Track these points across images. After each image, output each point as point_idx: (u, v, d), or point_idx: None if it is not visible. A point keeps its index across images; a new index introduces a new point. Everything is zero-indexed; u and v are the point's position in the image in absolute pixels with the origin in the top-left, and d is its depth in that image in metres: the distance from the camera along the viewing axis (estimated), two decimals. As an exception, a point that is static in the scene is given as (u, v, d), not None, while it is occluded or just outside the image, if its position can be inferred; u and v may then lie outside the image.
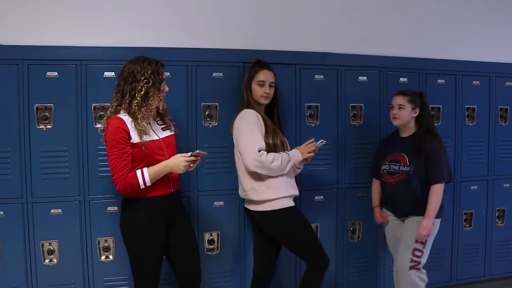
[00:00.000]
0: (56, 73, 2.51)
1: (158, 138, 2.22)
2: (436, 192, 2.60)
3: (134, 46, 2.59)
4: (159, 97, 2.18)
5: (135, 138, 2.12)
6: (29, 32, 2.58)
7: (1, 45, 2.46)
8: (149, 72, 2.12)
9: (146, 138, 2.14)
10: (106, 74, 2.57)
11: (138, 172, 2.11)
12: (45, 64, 2.49)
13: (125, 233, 2.22)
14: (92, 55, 2.55)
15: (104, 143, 2.16)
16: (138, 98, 2.11)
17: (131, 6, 2.77)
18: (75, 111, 2.54)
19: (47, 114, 2.51)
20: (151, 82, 2.13)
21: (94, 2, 2.72)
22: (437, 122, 3.18)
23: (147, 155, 2.15)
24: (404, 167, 2.67)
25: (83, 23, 2.68)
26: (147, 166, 2.15)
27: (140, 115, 2.12)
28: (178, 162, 2.14)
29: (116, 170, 2.09)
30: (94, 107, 2.56)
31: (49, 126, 2.52)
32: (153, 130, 2.23)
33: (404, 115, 2.69)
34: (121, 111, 2.15)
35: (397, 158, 2.71)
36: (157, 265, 2.25)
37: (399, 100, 2.71)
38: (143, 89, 2.11)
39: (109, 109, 2.18)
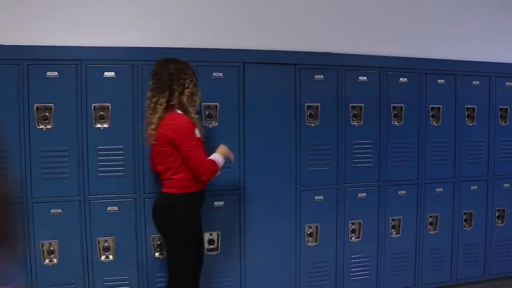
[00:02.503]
0: (56, 73, 2.51)
1: (199, 136, 2.34)
2: None
3: (134, 46, 2.60)
4: (199, 95, 2.34)
5: (196, 132, 2.27)
6: (29, 32, 2.58)
7: (1, 45, 2.46)
8: (191, 72, 2.29)
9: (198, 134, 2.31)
10: (106, 74, 2.56)
11: (215, 159, 2.30)
12: (45, 64, 2.49)
13: (173, 226, 2.26)
14: (92, 55, 2.55)
15: (155, 141, 2.24)
16: (187, 93, 2.25)
17: (131, 6, 2.77)
18: (75, 111, 2.54)
19: (47, 114, 2.51)
20: (194, 80, 2.30)
21: (94, 2, 2.72)
22: (437, 122, 3.19)
23: None
24: None
25: (83, 23, 2.68)
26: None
27: (191, 109, 2.28)
28: (227, 150, 2.40)
29: (202, 159, 2.23)
30: (94, 107, 2.56)
31: (49, 126, 2.52)
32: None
33: None
34: (175, 108, 2.25)
35: None
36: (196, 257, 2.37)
37: None
38: (189, 86, 2.26)
39: (158, 106, 2.22)
